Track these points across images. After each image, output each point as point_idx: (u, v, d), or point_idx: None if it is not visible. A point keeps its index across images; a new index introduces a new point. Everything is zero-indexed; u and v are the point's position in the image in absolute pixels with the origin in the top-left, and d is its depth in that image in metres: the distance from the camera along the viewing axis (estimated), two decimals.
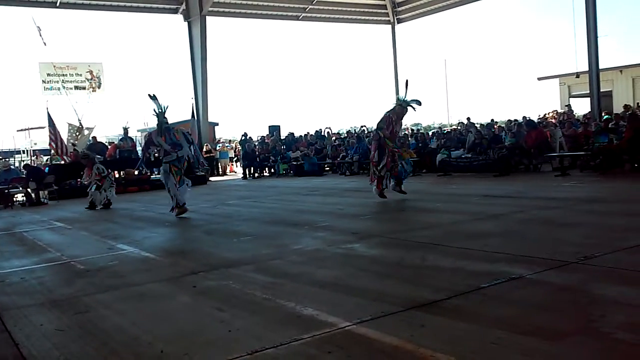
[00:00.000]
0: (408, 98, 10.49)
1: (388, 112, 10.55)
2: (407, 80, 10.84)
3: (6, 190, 15.73)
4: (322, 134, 25.10)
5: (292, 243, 6.77)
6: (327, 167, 21.91)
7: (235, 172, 26.42)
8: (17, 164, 24.10)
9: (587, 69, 20.46)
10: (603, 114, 18.74)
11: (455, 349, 3.08)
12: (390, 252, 6.02)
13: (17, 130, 28.78)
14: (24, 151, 30.98)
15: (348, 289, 4.47)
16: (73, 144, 20.37)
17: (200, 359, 3.27)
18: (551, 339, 3.14)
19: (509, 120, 22.61)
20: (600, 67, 20.33)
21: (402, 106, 10.51)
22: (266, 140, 24.61)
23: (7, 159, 21.32)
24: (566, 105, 25.67)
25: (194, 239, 7.99)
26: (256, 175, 22.12)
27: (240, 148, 26.06)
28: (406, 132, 23.74)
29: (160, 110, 10.13)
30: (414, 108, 10.50)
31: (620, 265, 4.65)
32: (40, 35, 22.56)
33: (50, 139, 19.90)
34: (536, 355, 2.98)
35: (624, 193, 9.89)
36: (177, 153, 10.12)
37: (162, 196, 13.47)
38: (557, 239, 5.93)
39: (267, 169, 22.93)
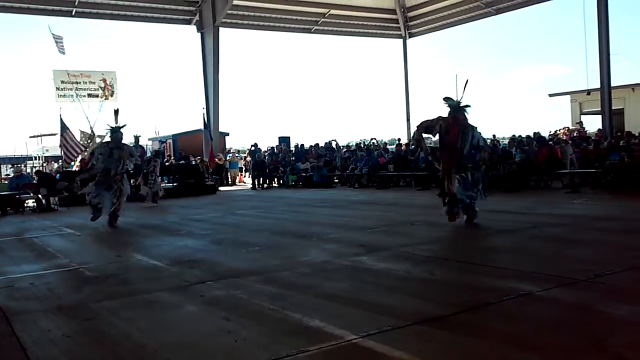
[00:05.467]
0: (462, 102, 8.71)
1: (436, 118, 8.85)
2: (467, 80, 8.79)
3: (17, 196, 15.85)
4: (331, 145, 25.12)
5: (301, 254, 6.77)
6: (336, 179, 21.91)
7: (245, 183, 26.47)
8: (28, 170, 24.27)
9: (599, 86, 20.40)
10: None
11: None
12: (398, 265, 6.00)
13: (30, 137, 28.95)
14: (35, 157, 31.17)
15: (355, 302, 4.46)
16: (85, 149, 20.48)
17: None
18: (559, 357, 3.12)
19: (513, 135, 22.43)
20: (613, 84, 20.26)
21: (456, 110, 8.66)
22: (275, 151, 24.65)
23: (19, 165, 21.43)
24: (577, 123, 25.55)
25: (203, 249, 7.99)
26: (265, 185, 22.15)
27: (249, 158, 26.12)
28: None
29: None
30: (466, 111, 8.72)
31: (630, 284, 4.62)
32: (58, 46, 22.74)
33: (62, 144, 20.03)
34: None
35: (635, 211, 9.81)
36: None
37: (170, 205, 13.56)
38: (567, 256, 5.89)
39: (276, 179, 22.97)
